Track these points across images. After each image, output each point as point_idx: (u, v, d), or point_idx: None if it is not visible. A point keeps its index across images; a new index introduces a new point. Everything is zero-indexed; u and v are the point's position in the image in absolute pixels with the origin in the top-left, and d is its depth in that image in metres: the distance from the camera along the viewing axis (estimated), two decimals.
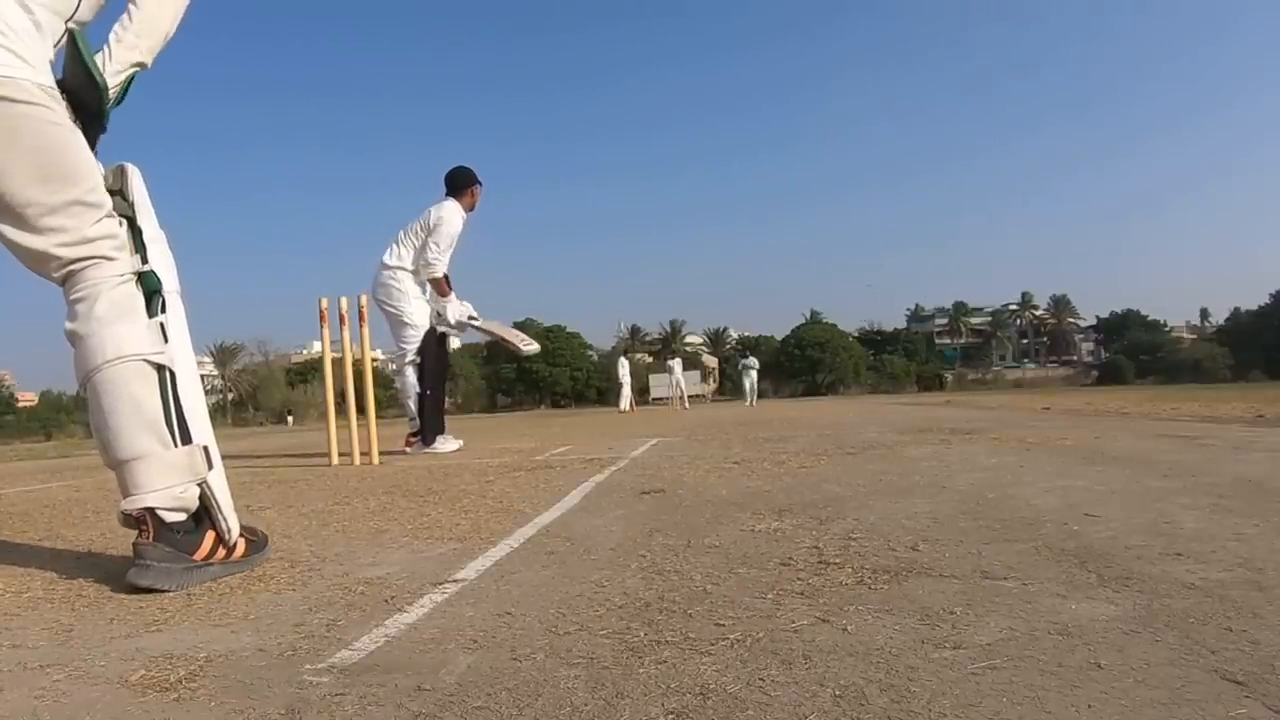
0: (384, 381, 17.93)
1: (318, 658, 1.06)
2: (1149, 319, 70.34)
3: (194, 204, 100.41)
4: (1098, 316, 75.32)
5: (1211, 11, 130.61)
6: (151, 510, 1.49)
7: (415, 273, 5.20)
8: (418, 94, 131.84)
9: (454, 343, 5.62)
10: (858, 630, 1.08)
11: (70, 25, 1.57)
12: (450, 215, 5.15)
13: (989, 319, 78.59)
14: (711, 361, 49.46)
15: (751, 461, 3.41)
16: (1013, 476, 2.58)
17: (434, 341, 5.22)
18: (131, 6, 1.68)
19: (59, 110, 1.49)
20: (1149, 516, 1.78)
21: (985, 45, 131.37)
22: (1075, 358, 74.28)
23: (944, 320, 78.52)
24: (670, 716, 0.83)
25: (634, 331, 71.02)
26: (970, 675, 0.91)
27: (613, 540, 1.78)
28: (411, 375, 5.18)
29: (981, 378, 65.79)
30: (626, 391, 20.86)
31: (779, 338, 65.76)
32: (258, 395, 54.46)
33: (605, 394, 45.88)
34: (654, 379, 35.49)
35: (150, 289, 1.58)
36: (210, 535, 1.56)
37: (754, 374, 23.76)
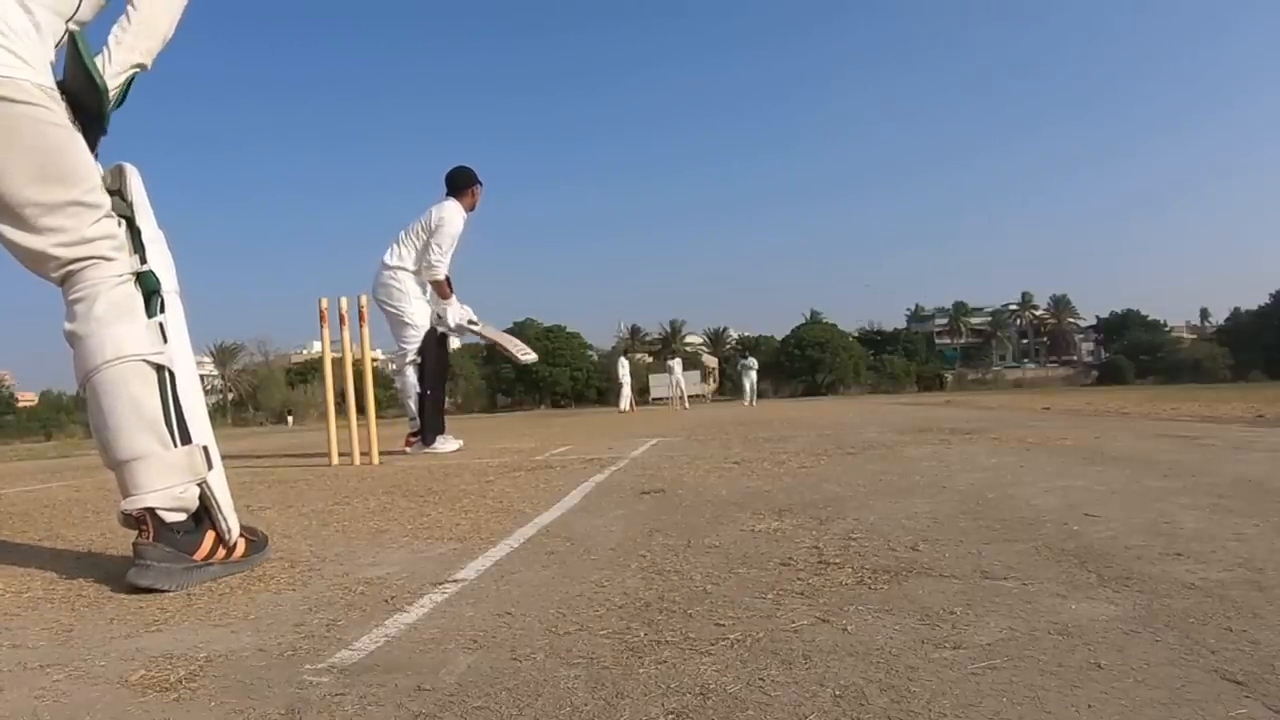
0: (384, 381, 17.94)
1: (318, 658, 1.06)
2: (1149, 319, 70.34)
3: (193, 204, 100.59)
4: (1098, 316, 75.43)
5: (1211, 11, 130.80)
6: (151, 510, 1.49)
7: (416, 273, 5.20)
8: (417, 94, 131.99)
9: (454, 343, 5.63)
10: (858, 630, 1.08)
11: (71, 26, 1.57)
12: (451, 216, 5.16)
13: (989, 319, 78.60)
14: (711, 361, 49.46)
15: (751, 461, 3.41)
16: (1013, 476, 2.58)
17: (434, 342, 5.22)
18: (130, 8, 1.68)
19: (58, 111, 1.49)
20: (1149, 516, 1.78)
21: (985, 45, 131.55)
22: (1075, 358, 74.29)
23: (944, 320, 78.52)
24: (670, 716, 0.83)
25: (634, 331, 71.03)
26: (970, 675, 0.90)
27: (613, 540, 1.78)
28: (412, 375, 5.18)
29: (981, 378, 65.78)
30: (626, 391, 20.86)
31: (779, 338, 65.76)
32: (258, 395, 54.48)
33: (605, 394, 45.88)
34: (654, 379, 35.49)
35: (149, 289, 1.58)
36: (210, 535, 1.56)
37: (753, 374, 23.77)
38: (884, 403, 17.08)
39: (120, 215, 1.59)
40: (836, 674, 0.93)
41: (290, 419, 41.23)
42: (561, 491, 2.67)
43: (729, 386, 44.79)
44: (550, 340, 56.78)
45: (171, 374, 1.56)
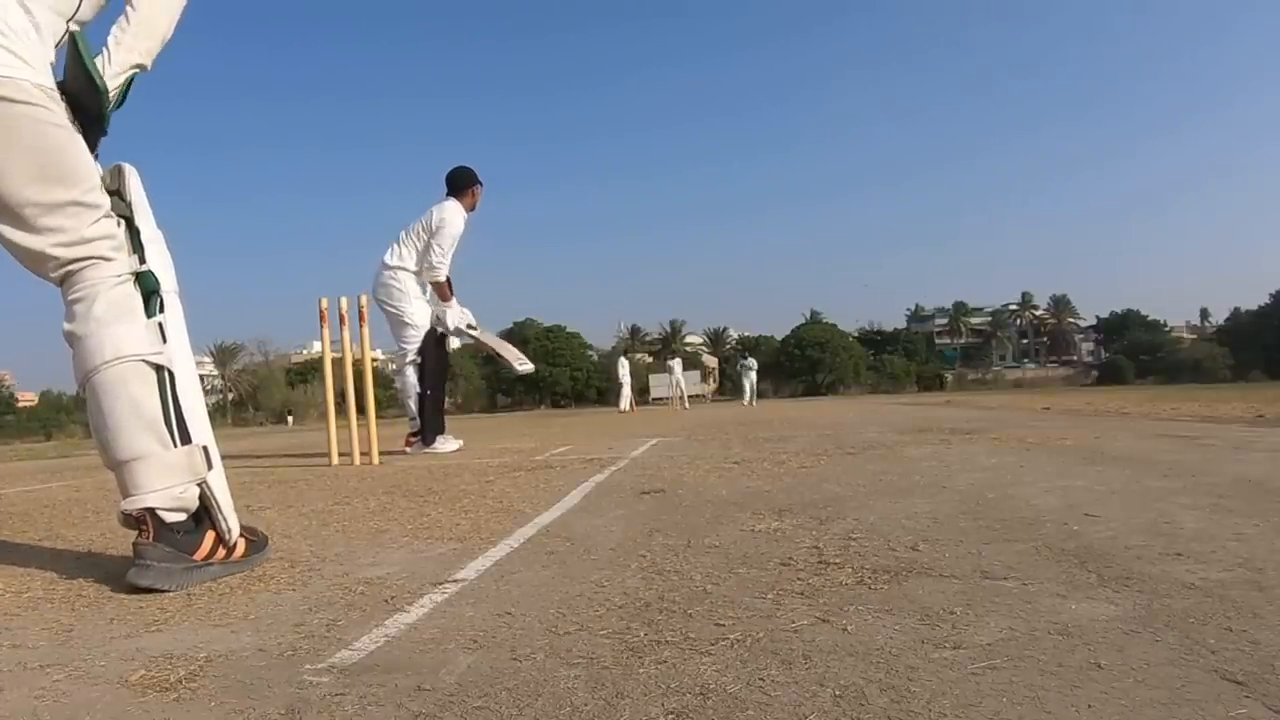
0: (384, 381, 17.94)
1: (318, 658, 1.06)
2: (1149, 319, 70.33)
3: (193, 204, 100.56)
4: (1098, 316, 75.42)
5: (1211, 11, 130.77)
6: (151, 510, 1.49)
7: (417, 273, 5.20)
8: (417, 94, 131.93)
9: (454, 343, 5.62)
10: (858, 630, 1.08)
11: (71, 26, 1.57)
12: (452, 216, 5.16)
13: (989, 319, 78.59)
14: (711, 361, 49.49)
15: (751, 461, 3.41)
16: (1013, 476, 2.58)
17: (434, 342, 5.22)
18: (128, 9, 1.68)
19: (58, 111, 1.49)
20: (1149, 516, 1.78)
21: (985, 45, 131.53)
22: (1075, 358, 74.28)
23: (944, 320, 78.52)
24: (670, 716, 0.83)
25: (634, 331, 71.03)
26: (970, 675, 0.90)
27: (613, 540, 1.78)
28: (412, 375, 5.18)
29: (981, 378, 65.78)
30: (626, 391, 20.86)
31: (779, 338, 65.76)
32: (258, 395, 54.47)
33: (605, 394, 45.87)
34: (654, 379, 35.50)
35: (148, 289, 1.58)
36: (210, 535, 1.56)
37: (753, 374, 23.79)
38: (884, 403, 17.08)
39: (119, 215, 1.59)
40: (836, 674, 0.93)
41: (290, 419, 41.24)
42: (561, 491, 2.67)
43: (729, 386, 44.79)
44: (550, 340, 56.81)
45: (171, 374, 1.56)
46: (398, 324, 5.21)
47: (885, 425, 5.99)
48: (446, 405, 5.82)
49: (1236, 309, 68.88)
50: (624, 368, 21.78)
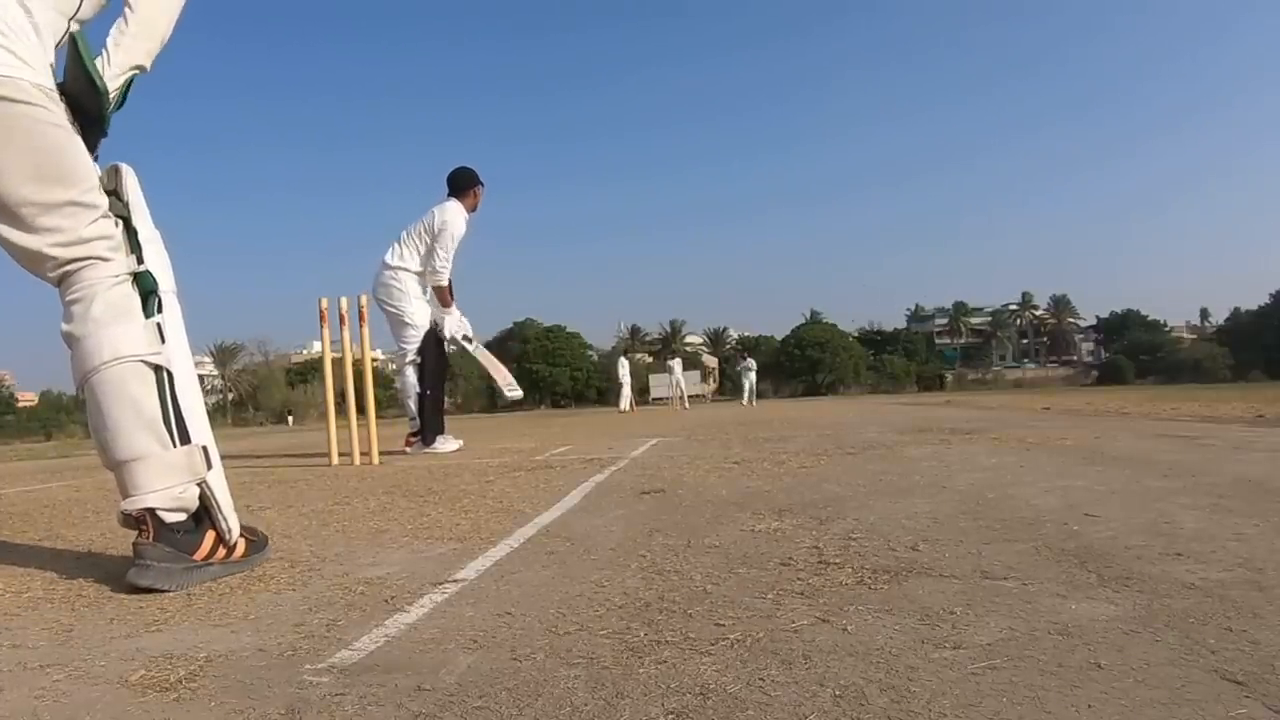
0: (384, 381, 17.94)
1: (318, 658, 1.06)
2: (1149, 319, 70.34)
3: (192, 204, 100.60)
4: (1098, 316, 75.44)
5: (1211, 11, 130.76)
6: (151, 510, 1.49)
7: (418, 273, 5.20)
8: (417, 94, 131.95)
9: None
10: (858, 630, 1.08)
11: (72, 25, 1.57)
12: (454, 218, 5.16)
13: (989, 319, 78.58)
14: (711, 361, 49.51)
15: (751, 461, 3.41)
16: (1013, 476, 2.58)
17: (434, 342, 5.22)
18: (127, 10, 1.68)
19: (57, 111, 1.49)
20: (1149, 516, 1.78)
21: (985, 45, 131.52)
22: (1075, 358, 74.28)
23: (944, 320, 78.52)
24: (670, 716, 0.83)
25: (634, 331, 71.00)
26: (970, 675, 0.90)
27: (613, 540, 1.78)
28: (412, 375, 5.19)
29: (981, 378, 65.78)
30: (626, 391, 20.86)
31: (779, 338, 65.75)
32: (258, 395, 54.47)
33: (605, 394, 45.86)
34: (654, 379, 35.49)
35: (146, 289, 1.58)
36: (210, 535, 1.56)
37: (753, 375, 23.80)
38: (884, 403, 17.08)
39: (117, 215, 1.59)
40: (836, 674, 0.93)
41: (290, 419, 41.24)
42: (561, 491, 2.67)
43: (729, 386, 44.79)
44: (550, 340, 56.81)
45: (170, 374, 1.55)
46: (398, 324, 5.22)
47: (885, 425, 5.99)
48: (446, 405, 5.82)
49: (1236, 309, 68.97)
50: (624, 368, 21.79)
